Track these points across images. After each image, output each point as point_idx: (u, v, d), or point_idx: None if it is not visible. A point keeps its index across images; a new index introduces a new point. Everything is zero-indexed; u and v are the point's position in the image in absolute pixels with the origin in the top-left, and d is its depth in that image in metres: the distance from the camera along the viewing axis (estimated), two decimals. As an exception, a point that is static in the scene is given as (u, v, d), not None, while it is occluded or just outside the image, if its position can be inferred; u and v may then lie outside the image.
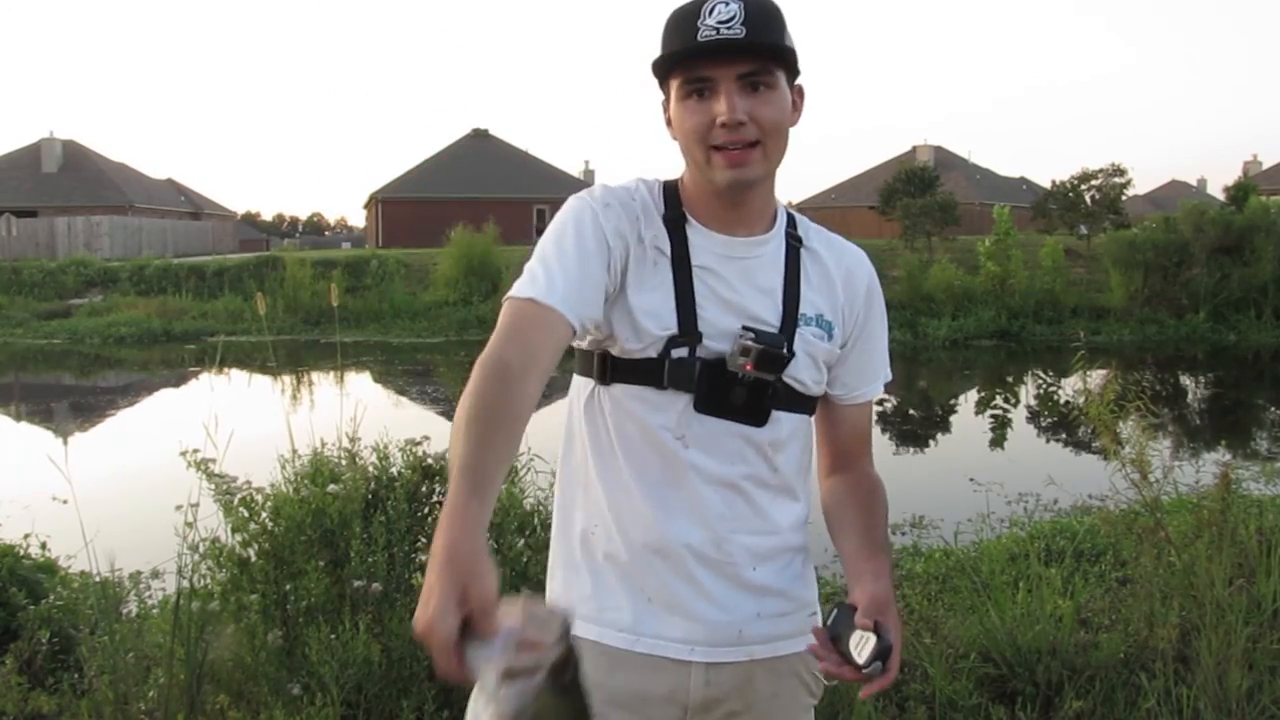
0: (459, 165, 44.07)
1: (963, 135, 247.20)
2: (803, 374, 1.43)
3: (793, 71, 1.38)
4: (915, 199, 27.15)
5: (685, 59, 1.34)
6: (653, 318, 1.38)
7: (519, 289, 1.30)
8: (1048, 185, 28.95)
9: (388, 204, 42.40)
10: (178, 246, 38.13)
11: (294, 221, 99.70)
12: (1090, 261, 22.85)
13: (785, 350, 1.39)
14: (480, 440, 1.11)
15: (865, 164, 65.57)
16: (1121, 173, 26.14)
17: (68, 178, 42.11)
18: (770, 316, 1.41)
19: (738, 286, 1.41)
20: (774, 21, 1.35)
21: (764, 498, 1.43)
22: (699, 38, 1.32)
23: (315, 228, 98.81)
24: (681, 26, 1.34)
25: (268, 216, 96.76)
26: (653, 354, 1.38)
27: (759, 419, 1.40)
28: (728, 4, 1.32)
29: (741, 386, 1.38)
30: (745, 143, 1.33)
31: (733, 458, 1.40)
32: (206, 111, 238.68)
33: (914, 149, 49.82)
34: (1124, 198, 26.24)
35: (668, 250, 1.40)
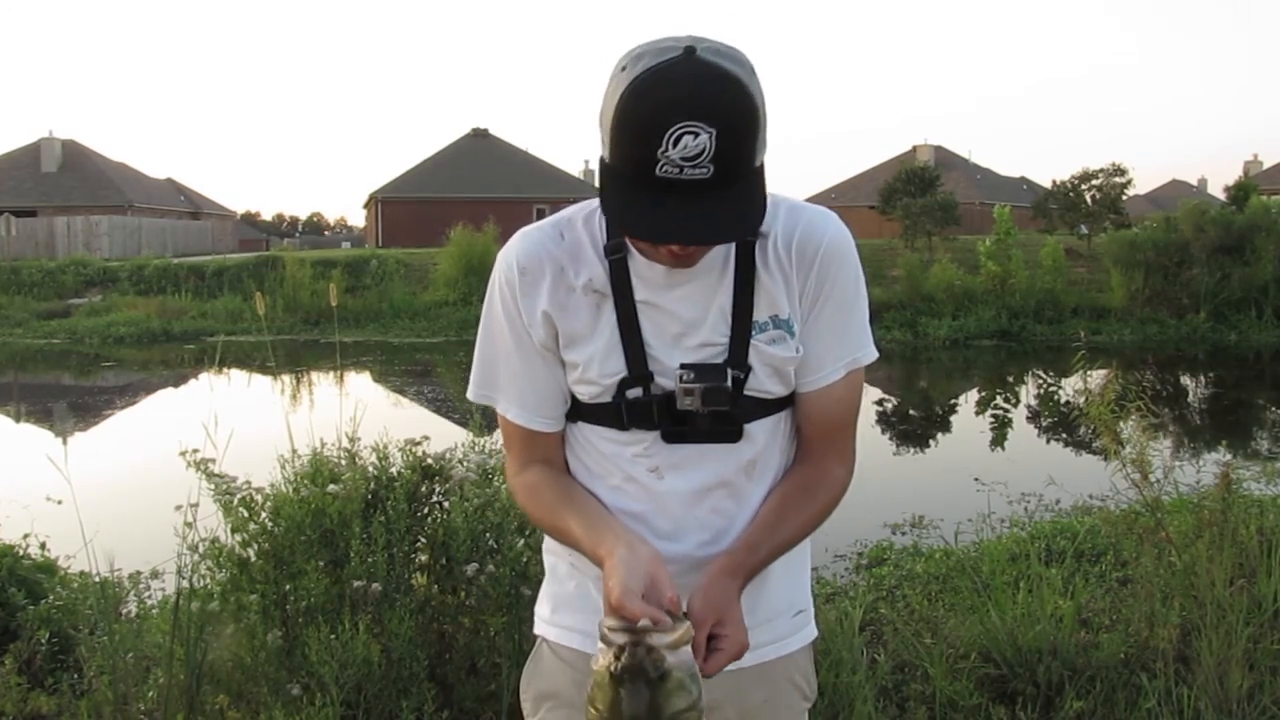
0: (459, 165, 44.06)
1: (963, 135, 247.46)
2: (765, 384, 1.36)
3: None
4: (915, 199, 27.11)
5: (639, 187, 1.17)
6: (600, 365, 1.35)
7: (485, 397, 1.43)
8: (1048, 185, 28.92)
9: (387, 204, 42.39)
10: (177, 246, 38.16)
11: (294, 221, 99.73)
12: (1091, 261, 22.84)
13: (729, 382, 1.32)
14: (563, 528, 1.36)
15: (865, 164, 65.65)
16: (1122, 172, 26.10)
17: (67, 177, 42.10)
18: (720, 334, 1.34)
19: (683, 314, 1.33)
20: (748, 140, 1.16)
21: (745, 511, 1.39)
22: (658, 170, 1.14)
23: (315, 227, 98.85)
24: (638, 140, 1.14)
25: (267, 216, 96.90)
26: (607, 399, 1.36)
27: (732, 438, 1.36)
28: (697, 135, 1.12)
29: (703, 416, 1.33)
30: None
31: (708, 478, 1.37)
32: (206, 111, 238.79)
33: (914, 149, 49.83)
34: (1124, 197, 26.19)
35: (608, 289, 1.34)
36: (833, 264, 1.36)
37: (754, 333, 1.34)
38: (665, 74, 1.14)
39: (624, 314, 1.34)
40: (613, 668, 1.11)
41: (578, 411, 1.41)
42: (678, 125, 1.12)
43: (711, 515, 1.38)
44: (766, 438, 1.39)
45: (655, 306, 1.34)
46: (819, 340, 1.37)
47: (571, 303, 1.35)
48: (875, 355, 1.41)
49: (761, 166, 1.21)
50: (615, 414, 1.36)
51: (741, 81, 1.15)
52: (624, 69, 1.17)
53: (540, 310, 1.36)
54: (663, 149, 1.13)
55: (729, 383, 1.32)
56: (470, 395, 1.44)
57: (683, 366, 1.32)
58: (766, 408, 1.38)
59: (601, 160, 1.22)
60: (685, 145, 1.12)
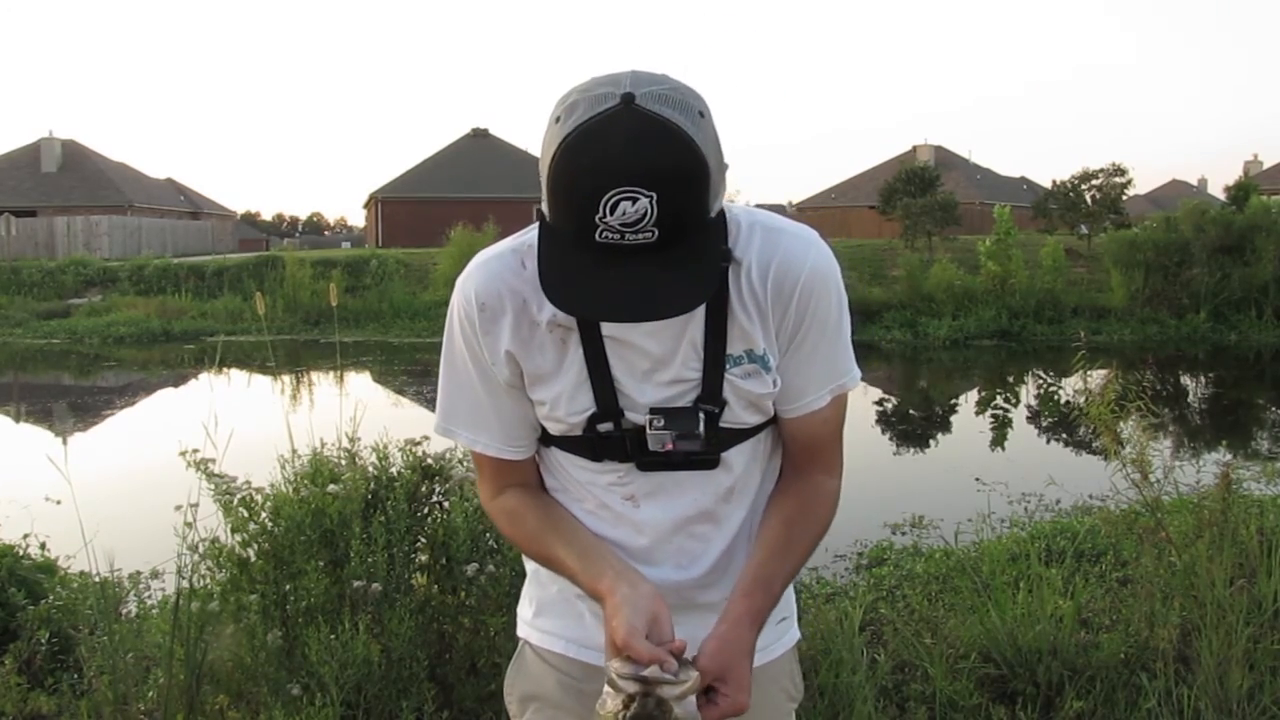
0: (459, 165, 44.08)
1: (963, 135, 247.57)
2: (741, 416, 1.31)
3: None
4: (916, 199, 27.12)
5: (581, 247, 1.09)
6: (568, 403, 1.29)
7: (451, 432, 1.37)
8: (1048, 185, 28.94)
9: (387, 204, 42.41)
10: (177, 246, 38.17)
11: (294, 221, 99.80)
12: (1091, 261, 22.84)
13: (700, 427, 1.27)
14: (551, 557, 1.33)
15: (865, 164, 65.73)
16: (1122, 172, 26.12)
17: (67, 177, 42.12)
18: (692, 369, 1.27)
19: (653, 349, 1.26)
20: (695, 198, 1.08)
21: (723, 534, 1.38)
22: (597, 236, 1.06)
23: (315, 227, 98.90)
24: (573, 205, 1.07)
25: (267, 216, 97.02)
26: (577, 433, 1.32)
27: (709, 466, 1.32)
28: (635, 200, 1.03)
29: (677, 451, 1.29)
30: None
31: (686, 508, 1.35)
32: (206, 111, 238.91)
33: (914, 149, 49.85)
34: (1124, 197, 26.21)
35: (573, 323, 1.26)
36: (813, 295, 1.27)
37: (728, 366, 1.28)
38: (599, 131, 1.05)
39: (591, 350, 1.27)
40: (619, 717, 1.11)
41: (549, 438, 1.37)
42: (613, 191, 1.04)
43: (689, 541, 1.37)
44: (745, 462, 1.36)
45: (623, 342, 1.26)
46: (802, 369, 1.31)
47: (535, 339, 1.28)
48: (859, 379, 1.35)
49: (719, 214, 1.15)
50: (587, 446, 1.32)
51: (684, 135, 1.06)
52: (558, 120, 1.09)
53: (503, 349, 1.28)
54: (600, 215, 1.05)
55: (701, 427, 1.28)
56: (436, 430, 1.39)
57: (653, 412, 1.27)
58: (743, 435, 1.34)
59: (540, 214, 1.14)
60: (624, 211, 1.04)
